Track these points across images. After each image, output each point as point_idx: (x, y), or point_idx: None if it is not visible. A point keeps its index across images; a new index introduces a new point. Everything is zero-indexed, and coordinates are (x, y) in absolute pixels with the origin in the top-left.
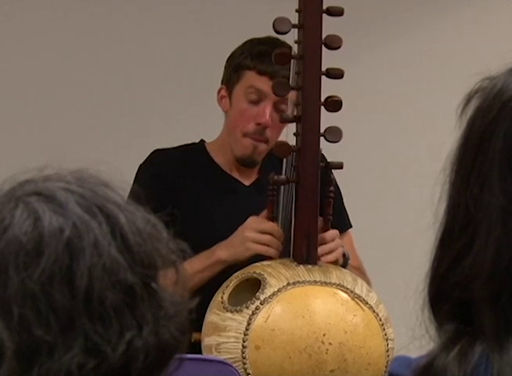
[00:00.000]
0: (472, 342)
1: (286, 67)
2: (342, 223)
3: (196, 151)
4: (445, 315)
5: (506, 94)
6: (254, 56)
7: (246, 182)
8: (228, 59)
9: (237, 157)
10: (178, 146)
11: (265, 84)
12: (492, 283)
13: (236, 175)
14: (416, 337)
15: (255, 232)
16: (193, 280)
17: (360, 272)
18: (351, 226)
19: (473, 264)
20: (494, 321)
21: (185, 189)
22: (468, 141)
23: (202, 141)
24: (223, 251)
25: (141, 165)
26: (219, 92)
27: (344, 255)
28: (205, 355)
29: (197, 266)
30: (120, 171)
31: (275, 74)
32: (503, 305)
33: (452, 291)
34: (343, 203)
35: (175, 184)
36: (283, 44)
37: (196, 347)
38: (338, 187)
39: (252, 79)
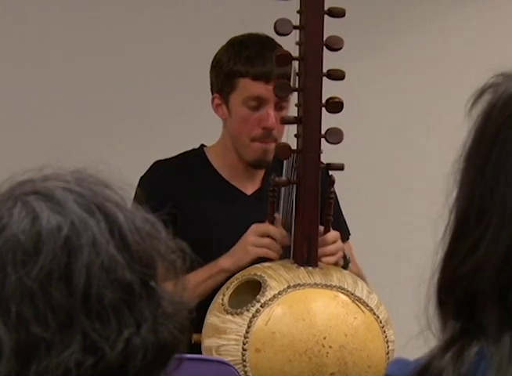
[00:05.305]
0: (469, 343)
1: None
2: (341, 233)
3: (196, 159)
4: (450, 309)
5: None
6: (243, 62)
7: (248, 191)
8: (214, 66)
9: (249, 162)
10: (178, 155)
11: (262, 89)
12: (502, 275)
13: (236, 183)
14: (414, 337)
15: (255, 235)
16: (197, 290)
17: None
18: (349, 235)
19: (485, 254)
20: (496, 314)
21: (186, 199)
22: (484, 133)
23: (202, 146)
24: (226, 260)
25: (142, 177)
26: (213, 100)
27: (344, 257)
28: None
29: (201, 276)
30: (119, 171)
31: (270, 76)
32: (509, 297)
33: (461, 282)
34: (341, 211)
35: (176, 194)
36: (268, 40)
37: (197, 348)
38: (336, 195)
39: (248, 87)
